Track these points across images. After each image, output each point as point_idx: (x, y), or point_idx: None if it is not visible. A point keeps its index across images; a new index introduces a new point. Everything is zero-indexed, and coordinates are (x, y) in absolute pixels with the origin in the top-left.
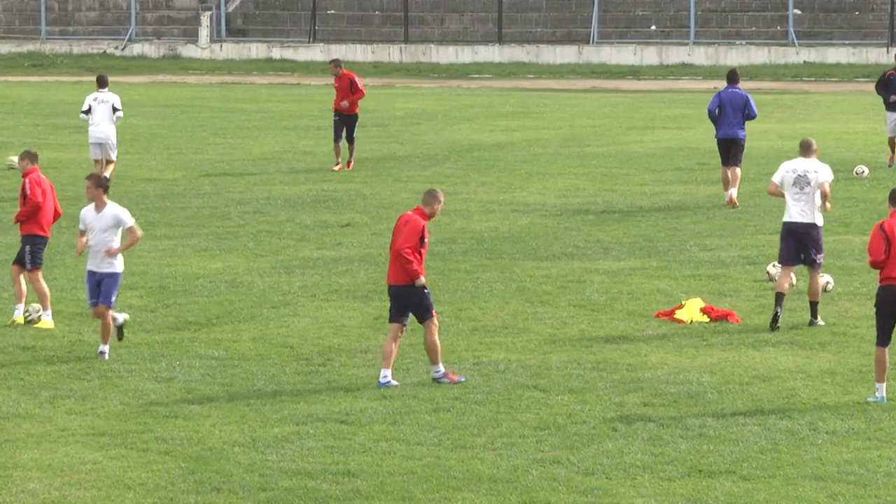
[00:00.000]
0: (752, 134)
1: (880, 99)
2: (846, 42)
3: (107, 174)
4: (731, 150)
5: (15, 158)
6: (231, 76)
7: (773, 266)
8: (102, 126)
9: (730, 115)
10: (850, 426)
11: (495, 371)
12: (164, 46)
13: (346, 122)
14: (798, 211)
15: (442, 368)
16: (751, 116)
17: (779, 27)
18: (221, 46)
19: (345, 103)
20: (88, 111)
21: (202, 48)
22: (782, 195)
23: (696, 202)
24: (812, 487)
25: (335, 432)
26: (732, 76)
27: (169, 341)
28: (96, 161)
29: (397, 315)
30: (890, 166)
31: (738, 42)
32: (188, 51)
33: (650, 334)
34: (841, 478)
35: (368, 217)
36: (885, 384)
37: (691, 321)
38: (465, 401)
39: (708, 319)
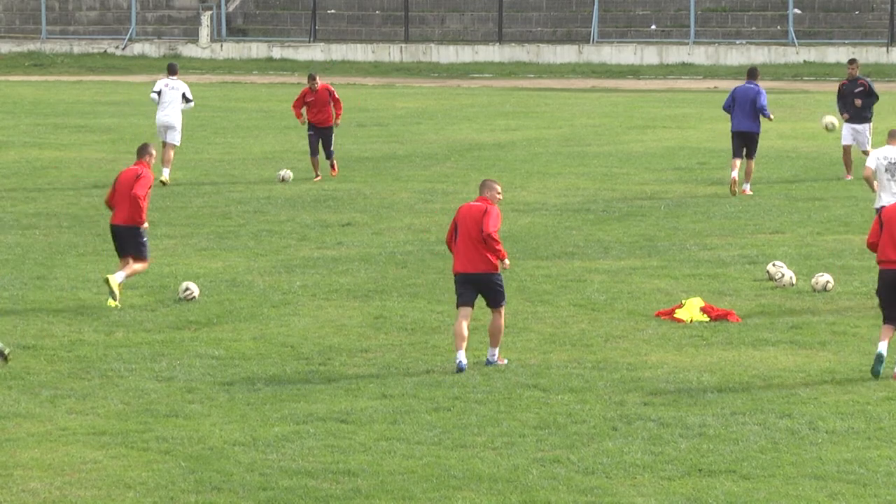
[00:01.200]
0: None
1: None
2: (846, 41)
3: (167, 169)
4: (744, 143)
5: (284, 172)
6: (231, 76)
7: (773, 265)
8: (169, 111)
9: (742, 108)
10: (849, 425)
11: (495, 370)
12: (164, 46)
13: (321, 134)
14: (890, 195)
15: (497, 353)
16: (758, 108)
17: (779, 27)
18: (222, 46)
19: (337, 122)
20: (159, 94)
21: (203, 48)
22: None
23: (696, 201)
24: (812, 487)
25: (335, 431)
26: (751, 73)
27: (169, 340)
28: (164, 143)
29: (468, 301)
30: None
31: (738, 41)
32: (189, 50)
33: (650, 334)
34: (841, 477)
35: (369, 216)
36: (886, 342)
37: (691, 321)
38: (466, 400)
39: (708, 319)
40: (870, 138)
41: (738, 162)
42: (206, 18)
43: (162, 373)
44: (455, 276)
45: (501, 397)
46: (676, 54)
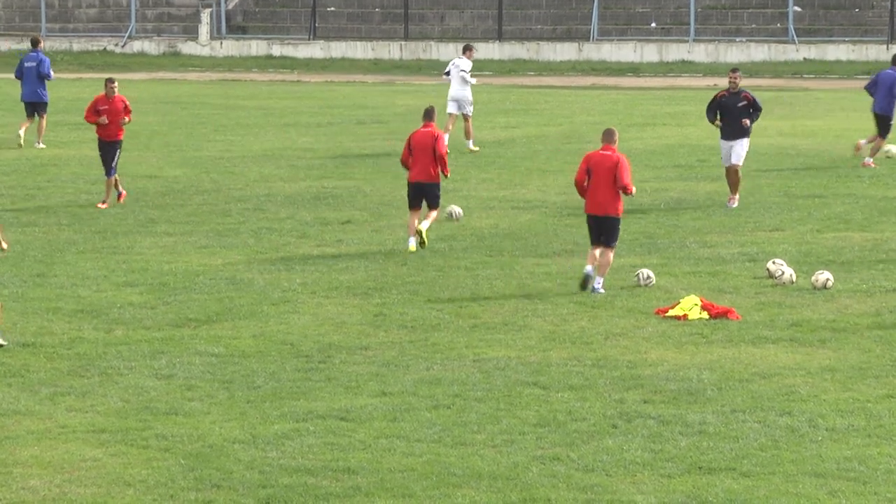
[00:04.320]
0: (753, 131)
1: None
2: (846, 39)
3: (445, 136)
4: (878, 123)
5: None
6: (231, 73)
7: (773, 263)
8: (456, 86)
9: (882, 91)
10: (849, 423)
11: (495, 368)
12: (164, 43)
13: (111, 149)
14: None
15: (602, 282)
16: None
17: (779, 24)
18: (221, 43)
19: (125, 119)
20: (448, 74)
21: (202, 45)
22: None
23: (696, 199)
24: (812, 484)
25: (335, 429)
26: (895, 59)
27: (169, 338)
28: (451, 115)
29: (597, 240)
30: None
31: (738, 39)
32: (188, 48)
33: (650, 331)
34: (841, 475)
35: (368, 214)
36: None
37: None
38: (466, 398)
39: (708, 316)
40: (743, 155)
41: (867, 138)
42: (205, 16)
43: (161, 370)
44: (587, 216)
45: (501, 395)
46: (676, 52)
